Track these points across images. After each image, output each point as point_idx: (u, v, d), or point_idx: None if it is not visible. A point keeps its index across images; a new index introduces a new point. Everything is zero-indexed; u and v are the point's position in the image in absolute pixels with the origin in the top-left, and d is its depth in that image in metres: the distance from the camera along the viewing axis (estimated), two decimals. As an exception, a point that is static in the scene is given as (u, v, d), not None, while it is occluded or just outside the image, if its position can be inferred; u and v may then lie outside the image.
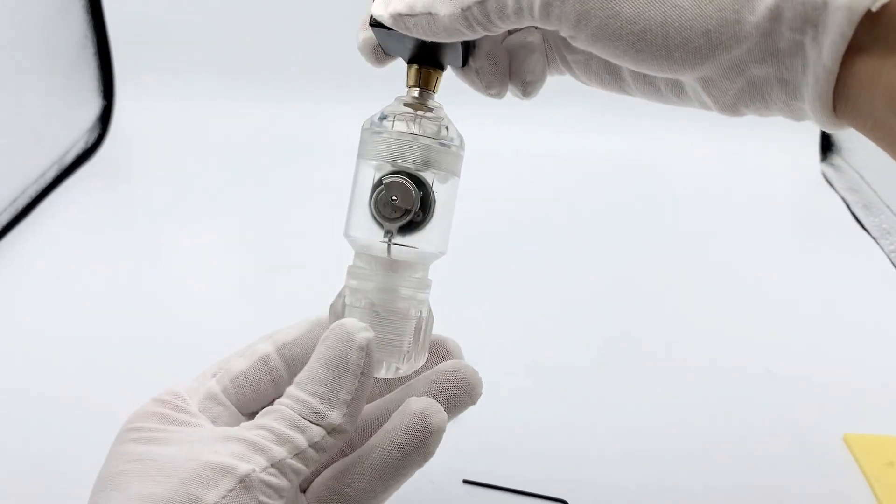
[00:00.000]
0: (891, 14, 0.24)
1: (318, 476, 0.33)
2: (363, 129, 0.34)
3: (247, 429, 0.30)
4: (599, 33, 0.28)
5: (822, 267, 0.68)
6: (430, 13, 0.30)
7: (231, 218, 0.73)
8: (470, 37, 0.31)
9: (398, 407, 0.33)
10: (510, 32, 0.35)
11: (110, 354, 0.54)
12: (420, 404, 0.32)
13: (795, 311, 0.62)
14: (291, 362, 0.36)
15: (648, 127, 0.78)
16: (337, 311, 0.34)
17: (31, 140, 0.74)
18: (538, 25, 0.30)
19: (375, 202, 0.33)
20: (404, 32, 0.31)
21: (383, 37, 0.33)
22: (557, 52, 0.35)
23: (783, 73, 0.27)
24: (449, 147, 0.34)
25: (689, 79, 0.29)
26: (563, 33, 0.29)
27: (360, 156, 0.34)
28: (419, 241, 0.33)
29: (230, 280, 0.64)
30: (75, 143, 0.80)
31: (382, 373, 0.34)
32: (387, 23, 0.31)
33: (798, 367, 0.56)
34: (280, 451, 0.29)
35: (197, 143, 0.81)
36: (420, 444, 0.31)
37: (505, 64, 0.34)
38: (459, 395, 0.34)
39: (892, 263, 0.69)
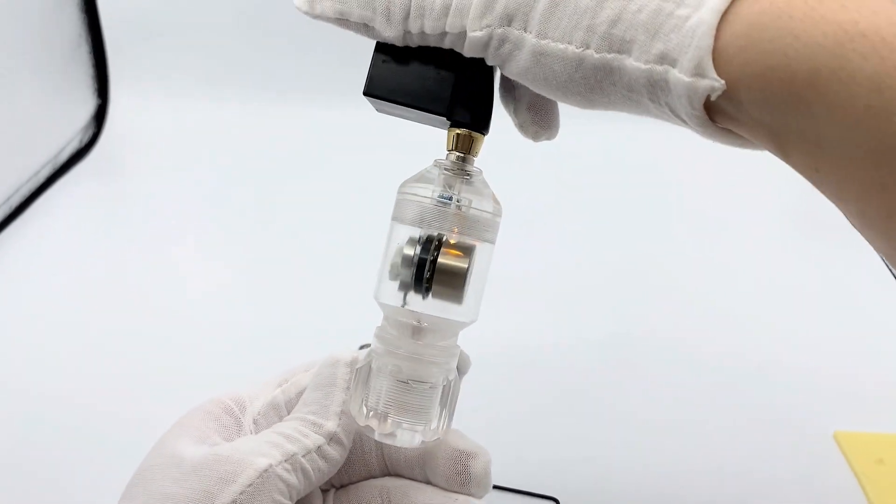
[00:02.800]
0: (740, 96, 0.25)
1: None
2: (399, 192, 0.33)
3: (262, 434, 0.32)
4: (521, 77, 0.30)
5: (814, 265, 0.69)
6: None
7: (226, 216, 0.73)
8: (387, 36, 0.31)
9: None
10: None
11: (105, 354, 0.55)
12: None
13: (787, 309, 0.62)
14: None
15: (643, 122, 0.78)
16: (363, 377, 0.33)
17: (26, 138, 0.73)
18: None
19: (406, 267, 0.32)
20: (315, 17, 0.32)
21: (381, 105, 0.33)
22: None
23: (678, 125, 0.28)
24: (486, 214, 0.32)
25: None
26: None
27: (393, 218, 0.33)
28: (445, 308, 0.32)
29: (225, 278, 0.64)
30: (70, 142, 0.80)
31: (406, 441, 0.32)
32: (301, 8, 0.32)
33: (789, 365, 0.56)
34: (291, 448, 0.30)
35: (191, 142, 0.81)
36: None
37: (548, 112, 0.35)
38: None
39: (884, 261, 0.69)
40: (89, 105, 0.83)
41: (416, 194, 0.32)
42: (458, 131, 0.33)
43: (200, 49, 0.84)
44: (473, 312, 0.33)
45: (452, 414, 0.34)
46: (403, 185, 0.33)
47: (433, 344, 0.33)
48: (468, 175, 0.33)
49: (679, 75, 0.25)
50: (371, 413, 0.32)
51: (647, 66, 0.26)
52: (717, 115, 0.26)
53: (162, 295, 0.62)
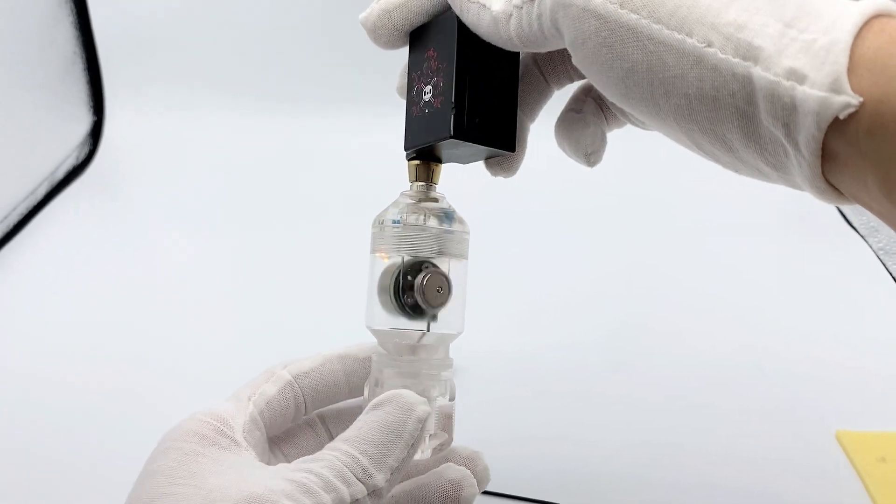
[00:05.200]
0: (859, 120, 0.24)
1: None
2: (374, 226, 0.36)
3: (294, 470, 0.30)
4: (593, 58, 0.29)
5: (813, 265, 0.69)
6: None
7: (223, 231, 0.73)
8: (506, 45, 0.32)
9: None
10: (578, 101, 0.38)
11: (104, 370, 0.55)
12: (456, 474, 0.34)
13: (787, 309, 0.62)
14: (306, 392, 0.38)
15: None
16: (374, 394, 0.35)
17: (22, 156, 0.74)
18: (548, 39, 0.31)
19: (393, 294, 0.35)
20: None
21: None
22: (614, 107, 0.36)
23: (769, 158, 0.27)
24: (458, 233, 0.36)
25: (680, 135, 0.29)
26: (567, 47, 0.30)
27: (372, 251, 0.36)
28: (440, 324, 0.35)
29: (223, 293, 0.65)
30: (66, 159, 0.80)
31: (418, 454, 0.35)
32: None
33: (790, 365, 0.56)
34: (326, 499, 0.29)
35: (188, 158, 0.81)
36: None
37: (514, 159, 0.36)
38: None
39: (880, 260, 0.69)
40: (85, 122, 0.83)
41: (389, 226, 0.35)
42: (417, 163, 0.36)
43: (195, 64, 0.84)
44: (460, 324, 0.36)
45: (454, 419, 0.37)
46: (376, 220, 0.36)
47: (430, 359, 0.35)
48: (434, 201, 0.36)
49: (810, 91, 0.24)
50: None
51: (776, 79, 0.25)
52: (826, 155, 0.25)
53: (161, 309, 0.62)
